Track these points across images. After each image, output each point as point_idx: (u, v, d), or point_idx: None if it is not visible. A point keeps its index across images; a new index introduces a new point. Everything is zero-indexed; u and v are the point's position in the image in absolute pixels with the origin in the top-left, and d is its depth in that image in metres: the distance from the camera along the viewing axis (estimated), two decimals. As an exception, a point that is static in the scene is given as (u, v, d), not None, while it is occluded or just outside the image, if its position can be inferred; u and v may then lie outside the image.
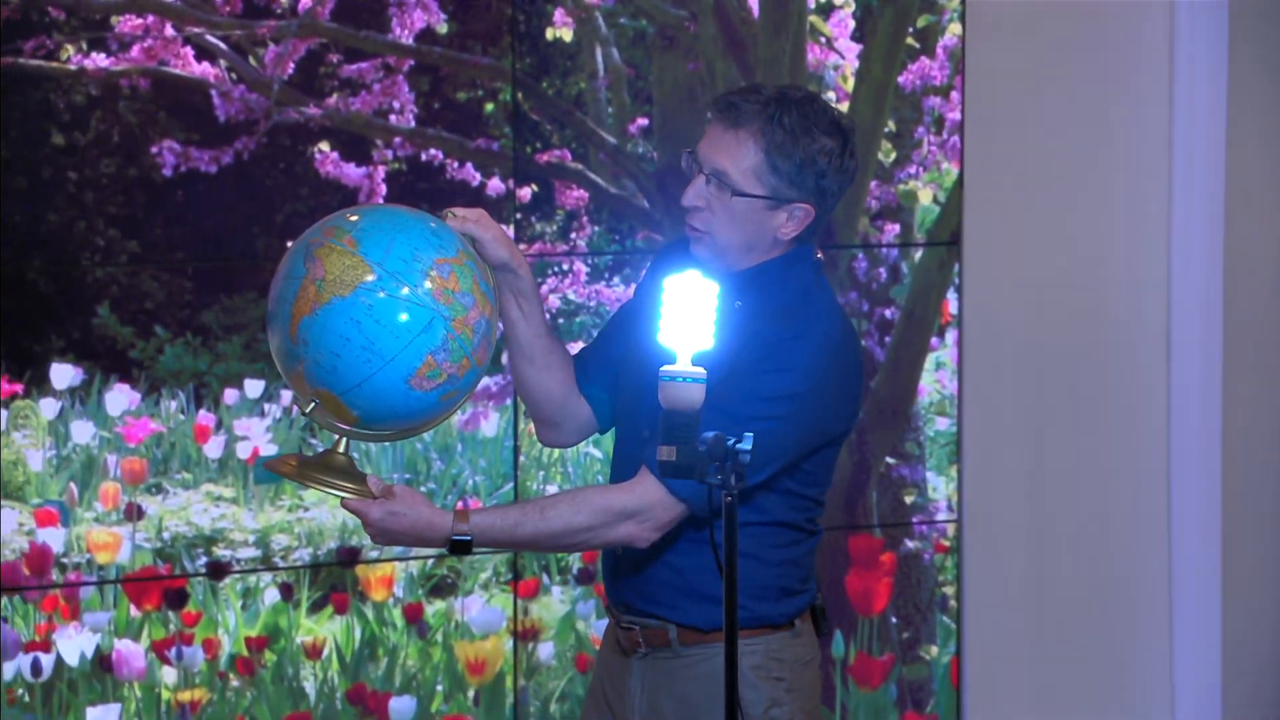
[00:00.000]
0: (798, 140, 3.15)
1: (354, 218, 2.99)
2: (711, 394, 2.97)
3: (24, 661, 4.31)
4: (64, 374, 4.32)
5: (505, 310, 3.21)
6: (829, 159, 3.17)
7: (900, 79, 4.82)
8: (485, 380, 4.54)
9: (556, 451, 4.67)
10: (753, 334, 3.15)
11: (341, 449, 3.07)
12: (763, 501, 3.20)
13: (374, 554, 4.53)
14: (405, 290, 2.92)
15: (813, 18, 4.75)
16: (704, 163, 3.19)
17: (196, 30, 4.33)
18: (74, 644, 4.34)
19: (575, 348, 3.41)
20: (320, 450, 3.14)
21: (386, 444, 4.53)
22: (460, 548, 3.10)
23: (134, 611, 4.38)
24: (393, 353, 2.92)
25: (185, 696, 4.42)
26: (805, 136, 3.16)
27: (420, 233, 2.97)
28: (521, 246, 4.56)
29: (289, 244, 4.41)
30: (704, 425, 2.90)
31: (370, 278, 2.91)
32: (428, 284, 2.93)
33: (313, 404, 2.98)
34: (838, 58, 4.78)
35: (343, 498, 3.07)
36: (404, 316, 2.92)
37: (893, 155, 4.83)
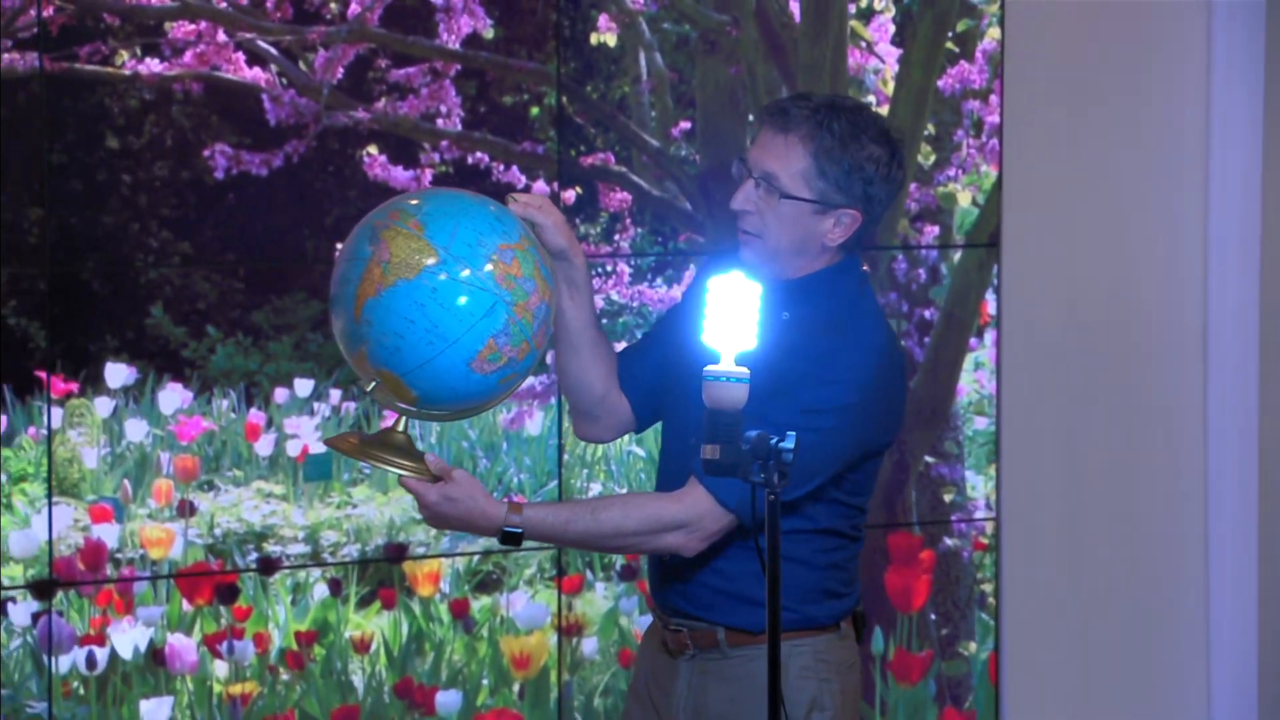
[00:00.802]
0: (846, 146, 3.18)
1: (417, 201, 3.01)
2: (761, 406, 3.01)
3: (79, 655, 4.37)
4: (118, 373, 4.38)
5: (557, 298, 3.22)
6: (876, 166, 3.20)
7: (940, 83, 4.86)
8: (530, 380, 4.59)
9: (600, 450, 4.72)
10: (802, 346, 3.18)
11: (400, 428, 3.09)
12: (810, 510, 3.23)
13: (421, 550, 4.59)
14: (469, 274, 2.94)
15: (853, 22, 4.78)
16: (754, 167, 3.22)
17: (248, 36, 4.39)
18: (128, 638, 4.40)
19: (619, 348, 3.44)
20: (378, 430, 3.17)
21: (434, 441, 4.58)
22: (510, 539, 3.13)
23: (186, 606, 4.44)
24: (455, 335, 2.94)
25: (236, 690, 4.48)
26: (854, 143, 3.18)
27: (484, 217, 2.99)
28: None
29: (338, 245, 4.46)
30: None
31: (435, 261, 2.94)
32: (490, 268, 2.95)
33: (374, 383, 3.00)
34: (878, 62, 4.81)
35: (401, 476, 3.09)
36: (467, 300, 2.94)
37: (932, 158, 4.87)
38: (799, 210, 3.20)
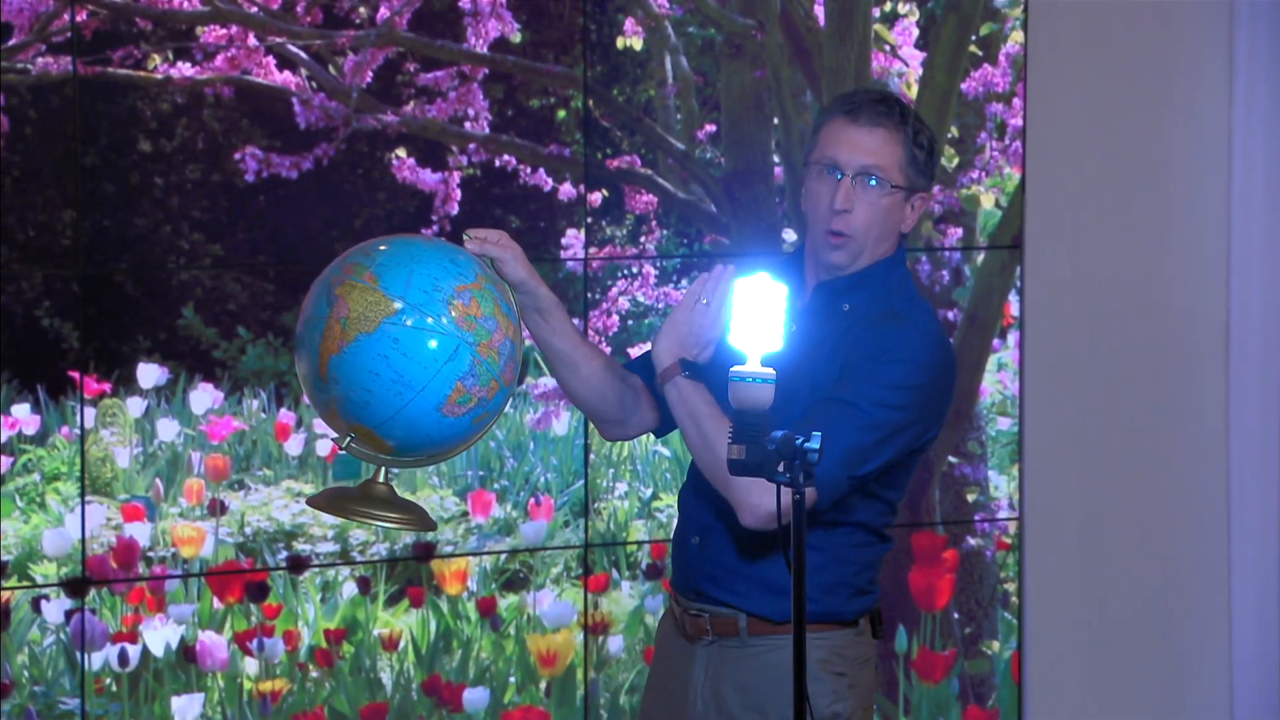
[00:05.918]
0: (921, 130, 3.29)
1: (370, 253, 2.99)
2: (832, 386, 3.07)
3: (111, 652, 4.41)
4: (150, 374, 4.42)
5: (534, 330, 3.24)
6: (937, 144, 3.33)
7: (963, 86, 4.88)
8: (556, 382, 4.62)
9: (626, 450, 4.75)
10: (864, 332, 3.22)
11: (381, 479, 3.07)
12: (846, 500, 3.23)
13: (449, 549, 4.62)
14: (429, 321, 2.92)
15: (877, 26, 4.81)
16: (847, 166, 3.26)
17: (278, 40, 4.42)
18: (159, 635, 4.43)
19: (645, 348, 3.46)
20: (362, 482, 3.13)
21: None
22: (688, 368, 3.17)
23: (217, 604, 4.48)
24: (422, 383, 2.92)
25: (266, 687, 4.51)
26: (924, 125, 3.30)
27: (437, 262, 2.97)
28: (592, 250, 4.66)
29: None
30: (827, 417, 3.03)
31: (393, 312, 2.92)
32: (451, 312, 2.93)
33: (349, 437, 2.99)
34: (902, 65, 4.84)
35: (389, 526, 3.08)
36: (431, 344, 2.92)
37: (956, 160, 4.89)
38: (895, 201, 3.27)
